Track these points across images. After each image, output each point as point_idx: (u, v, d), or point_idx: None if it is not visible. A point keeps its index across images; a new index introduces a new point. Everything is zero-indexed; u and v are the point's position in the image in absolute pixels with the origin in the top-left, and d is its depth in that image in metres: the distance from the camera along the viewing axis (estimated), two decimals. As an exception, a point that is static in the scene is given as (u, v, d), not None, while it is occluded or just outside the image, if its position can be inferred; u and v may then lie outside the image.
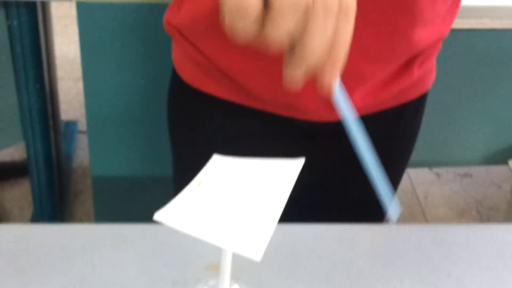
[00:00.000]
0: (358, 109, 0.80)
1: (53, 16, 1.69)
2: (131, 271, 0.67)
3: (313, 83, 0.42)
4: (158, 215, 0.44)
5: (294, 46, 0.37)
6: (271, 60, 0.69)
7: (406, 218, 1.99)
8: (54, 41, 1.71)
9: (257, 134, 0.83)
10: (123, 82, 1.42)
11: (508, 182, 2.07)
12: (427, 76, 0.85)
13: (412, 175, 2.15)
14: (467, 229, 0.78)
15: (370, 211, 0.99)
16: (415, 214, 2.01)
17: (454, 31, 1.49)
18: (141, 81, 1.43)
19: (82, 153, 2.11)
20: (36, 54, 1.45)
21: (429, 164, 1.92)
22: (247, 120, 0.82)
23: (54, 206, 1.76)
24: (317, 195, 0.92)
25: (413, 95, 0.85)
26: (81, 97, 2.29)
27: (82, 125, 2.19)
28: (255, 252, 0.41)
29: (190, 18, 0.76)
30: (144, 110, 1.46)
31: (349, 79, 0.64)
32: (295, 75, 0.39)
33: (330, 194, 0.92)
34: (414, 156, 0.97)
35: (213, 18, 0.65)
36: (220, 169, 0.48)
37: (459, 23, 1.52)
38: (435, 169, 2.17)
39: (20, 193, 1.97)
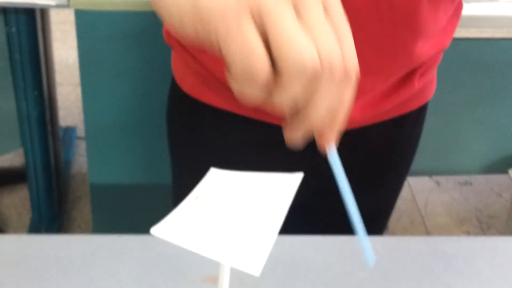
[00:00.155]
0: (358, 120, 0.79)
1: (53, 21, 1.69)
2: (128, 282, 0.66)
3: None
4: (154, 230, 0.44)
5: (298, 109, 0.38)
6: None
7: (406, 226, 1.99)
8: (53, 47, 1.70)
9: (257, 144, 0.83)
10: (122, 89, 1.42)
11: (509, 191, 2.07)
12: (427, 87, 0.85)
13: (412, 183, 2.14)
14: (467, 242, 0.78)
15: (371, 223, 0.98)
16: (415, 222, 2.01)
17: (455, 40, 1.48)
18: (140, 87, 1.42)
19: (81, 159, 2.10)
20: (34, 61, 1.45)
21: (429, 172, 1.92)
22: (247, 130, 0.81)
23: (52, 212, 1.75)
24: (317, 205, 0.92)
25: (414, 106, 0.85)
26: (80, 103, 2.28)
27: (81, 131, 2.18)
28: (254, 267, 0.41)
29: None
30: (142, 116, 1.46)
31: None
32: (297, 137, 0.40)
33: (331, 205, 0.92)
34: (414, 164, 0.96)
35: None
36: (218, 182, 0.47)
37: (460, 32, 1.52)
38: (435, 177, 2.16)
39: (18, 199, 1.96)
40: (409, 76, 0.78)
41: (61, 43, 2.63)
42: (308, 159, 0.80)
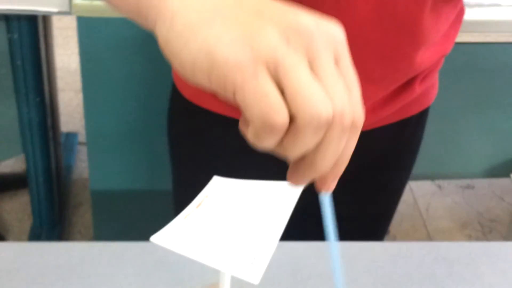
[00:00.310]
0: None
1: (55, 27, 1.69)
2: (129, 290, 0.66)
3: None
4: (154, 238, 0.44)
5: (304, 156, 0.38)
6: None
7: (407, 230, 1.98)
8: (55, 53, 1.71)
9: (258, 149, 0.83)
10: (123, 95, 1.42)
11: (511, 195, 2.06)
12: (429, 91, 0.85)
13: (414, 187, 2.14)
14: (469, 247, 0.77)
15: (372, 227, 0.98)
16: (416, 226, 2.00)
17: (458, 45, 1.48)
18: (141, 94, 1.42)
19: (82, 164, 2.10)
20: (36, 68, 1.45)
21: (431, 176, 1.92)
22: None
23: (53, 218, 1.75)
24: (319, 211, 0.92)
25: (415, 110, 0.84)
26: (81, 109, 2.28)
27: (83, 136, 2.18)
28: (253, 276, 0.41)
29: None
30: (144, 122, 1.46)
31: None
32: (301, 183, 0.41)
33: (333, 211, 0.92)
34: (416, 168, 0.96)
35: None
36: (220, 190, 0.47)
37: (462, 36, 1.52)
38: (437, 181, 2.16)
39: (19, 204, 1.96)
40: (410, 82, 0.78)
41: (63, 49, 2.63)
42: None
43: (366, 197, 0.92)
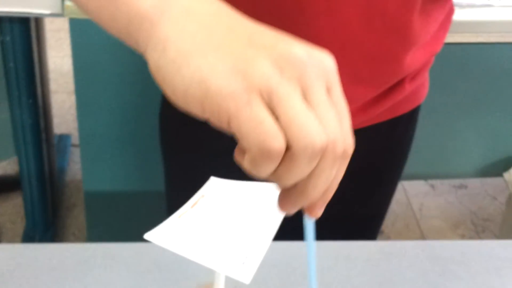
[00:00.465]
0: None
1: (47, 29, 1.68)
2: (123, 291, 0.66)
3: None
4: (148, 235, 0.44)
5: (295, 184, 0.39)
6: None
7: (401, 230, 1.99)
8: (47, 55, 1.70)
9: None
10: (116, 97, 1.42)
11: (503, 194, 2.07)
12: (419, 90, 0.85)
13: (407, 187, 2.14)
14: (463, 246, 0.78)
15: (365, 226, 0.98)
16: (410, 226, 2.01)
17: (450, 45, 1.49)
18: (134, 95, 1.42)
19: (75, 166, 2.10)
20: (29, 70, 1.45)
21: (424, 176, 1.92)
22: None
23: (46, 220, 1.75)
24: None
25: (406, 109, 0.85)
26: (74, 111, 2.28)
27: (76, 138, 2.18)
28: (245, 275, 0.41)
29: None
30: (137, 124, 1.46)
31: None
32: (292, 210, 0.41)
33: (326, 210, 0.92)
34: (409, 168, 0.97)
35: None
36: (216, 191, 0.48)
37: (454, 37, 1.52)
38: (430, 181, 2.17)
39: (12, 207, 1.96)
40: (399, 81, 0.79)
41: (56, 51, 2.63)
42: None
43: (358, 196, 0.92)
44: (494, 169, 1.71)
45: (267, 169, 0.37)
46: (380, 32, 0.69)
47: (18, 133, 1.53)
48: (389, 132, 0.86)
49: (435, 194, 2.14)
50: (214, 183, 0.49)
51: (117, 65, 1.37)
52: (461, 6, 1.34)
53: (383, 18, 0.69)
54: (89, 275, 0.67)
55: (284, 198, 0.40)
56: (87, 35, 1.32)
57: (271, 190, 0.47)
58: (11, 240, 1.85)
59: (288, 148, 0.36)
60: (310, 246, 0.43)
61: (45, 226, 1.75)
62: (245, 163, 0.37)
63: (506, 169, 1.68)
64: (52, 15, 1.27)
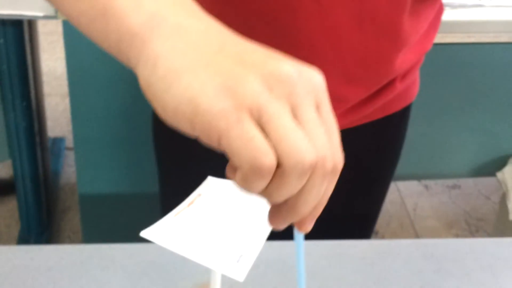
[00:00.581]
0: (340, 124, 0.80)
1: (40, 32, 1.68)
2: (119, 291, 0.66)
3: None
4: (144, 233, 0.44)
5: (286, 200, 0.39)
6: None
7: (395, 230, 1.99)
8: (40, 58, 1.70)
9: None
10: (110, 99, 1.42)
11: (497, 193, 2.08)
12: (410, 88, 0.86)
13: (401, 188, 2.15)
14: (457, 244, 0.78)
15: (358, 225, 0.99)
16: (404, 226, 2.01)
17: (442, 45, 1.50)
18: (128, 97, 1.42)
19: (69, 169, 2.09)
20: (22, 72, 1.45)
21: (418, 176, 1.93)
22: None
23: (41, 223, 1.74)
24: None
25: (397, 107, 0.85)
26: (68, 114, 2.27)
27: (70, 141, 2.17)
28: (238, 273, 0.42)
29: None
30: (131, 126, 1.46)
31: (331, 101, 0.65)
32: (281, 226, 0.41)
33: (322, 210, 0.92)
34: (403, 168, 0.97)
35: None
36: (212, 190, 0.48)
37: (446, 37, 1.53)
38: (424, 181, 2.17)
39: (7, 210, 1.95)
40: (390, 80, 0.79)
41: (49, 54, 2.62)
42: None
43: (351, 195, 0.93)
44: (487, 169, 1.71)
45: (258, 186, 0.37)
46: (371, 34, 0.70)
47: (12, 136, 1.53)
48: (381, 131, 0.87)
49: (429, 194, 2.15)
50: (210, 182, 0.50)
51: (111, 68, 1.37)
52: (453, 6, 1.35)
53: (374, 20, 0.69)
54: (85, 276, 0.68)
55: (275, 214, 0.40)
56: (81, 37, 1.31)
57: None
58: (5, 244, 1.85)
59: (278, 165, 0.36)
60: (300, 259, 0.44)
61: (39, 229, 1.75)
62: (237, 180, 0.37)
63: (499, 168, 1.69)
64: (45, 17, 1.27)
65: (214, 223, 0.46)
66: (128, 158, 1.51)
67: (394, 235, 1.97)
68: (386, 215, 2.02)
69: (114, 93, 1.41)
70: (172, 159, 0.90)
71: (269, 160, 0.36)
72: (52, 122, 2.26)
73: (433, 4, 0.76)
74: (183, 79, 0.37)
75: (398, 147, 0.92)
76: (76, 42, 1.33)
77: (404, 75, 0.81)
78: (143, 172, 1.52)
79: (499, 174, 1.69)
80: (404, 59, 0.76)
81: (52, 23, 2.54)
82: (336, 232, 0.80)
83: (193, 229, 0.45)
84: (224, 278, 0.49)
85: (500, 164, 1.69)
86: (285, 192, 0.38)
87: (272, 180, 0.37)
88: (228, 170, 0.39)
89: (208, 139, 0.37)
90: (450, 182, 2.18)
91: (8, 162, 1.73)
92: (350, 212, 0.94)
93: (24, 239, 1.75)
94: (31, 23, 1.50)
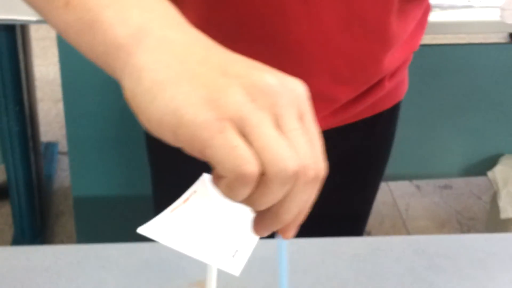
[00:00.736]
0: (330, 123, 0.81)
1: (32, 38, 1.68)
2: (116, 290, 0.67)
3: None
4: (141, 229, 0.45)
5: (269, 207, 0.40)
6: None
7: (387, 230, 2.00)
8: (33, 63, 1.70)
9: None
10: (104, 103, 1.42)
11: (488, 193, 2.10)
12: (399, 86, 0.86)
13: (392, 188, 2.16)
14: (448, 240, 0.79)
15: (349, 224, 0.99)
16: (396, 226, 2.03)
17: (431, 46, 1.52)
18: (121, 101, 1.42)
19: (63, 174, 2.09)
20: (15, 77, 1.45)
21: (410, 176, 1.94)
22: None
23: (35, 228, 1.74)
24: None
25: (386, 105, 0.86)
26: (60, 118, 2.28)
27: (62, 146, 2.17)
28: (234, 267, 0.43)
29: None
30: (124, 130, 1.46)
31: (321, 101, 0.66)
32: (265, 233, 0.42)
33: (316, 208, 0.93)
34: (394, 169, 0.98)
35: None
36: (208, 187, 0.49)
37: (436, 38, 1.55)
38: (415, 182, 2.19)
39: (0, 215, 1.95)
40: (379, 79, 0.80)
41: (41, 59, 2.62)
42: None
43: (341, 194, 0.93)
44: (478, 168, 1.72)
45: (242, 193, 0.38)
46: (359, 35, 0.71)
47: (5, 140, 1.53)
48: (371, 129, 0.87)
49: (421, 194, 2.16)
50: (206, 179, 0.50)
51: (104, 72, 1.38)
52: (442, 7, 1.36)
53: (362, 21, 0.70)
54: (82, 276, 0.68)
55: (258, 222, 0.41)
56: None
57: None
58: (-1, 249, 1.84)
59: (262, 173, 0.37)
60: (282, 266, 0.45)
61: (33, 233, 1.75)
62: (221, 188, 0.38)
63: (490, 168, 1.70)
64: (38, 21, 1.27)
65: (210, 219, 0.46)
66: (122, 161, 1.52)
67: (387, 235, 1.98)
68: (378, 216, 2.03)
69: (107, 97, 1.42)
70: (165, 162, 0.90)
71: (253, 168, 0.37)
72: (44, 127, 2.26)
73: (420, 4, 0.77)
74: (168, 91, 0.38)
75: (388, 145, 0.93)
76: (70, 47, 1.32)
77: (393, 74, 0.82)
78: (137, 176, 1.53)
79: (490, 174, 1.70)
80: (392, 59, 0.77)
81: (44, 29, 2.54)
82: (326, 231, 0.80)
83: (189, 225, 0.45)
84: (220, 276, 0.50)
85: (490, 163, 1.70)
86: (268, 199, 0.38)
87: (256, 188, 0.38)
88: (213, 179, 0.40)
89: (192, 150, 0.38)
90: (441, 182, 2.19)
91: (1, 167, 1.73)
92: (341, 212, 0.95)
93: (17, 243, 1.74)
94: (23, 28, 1.50)
